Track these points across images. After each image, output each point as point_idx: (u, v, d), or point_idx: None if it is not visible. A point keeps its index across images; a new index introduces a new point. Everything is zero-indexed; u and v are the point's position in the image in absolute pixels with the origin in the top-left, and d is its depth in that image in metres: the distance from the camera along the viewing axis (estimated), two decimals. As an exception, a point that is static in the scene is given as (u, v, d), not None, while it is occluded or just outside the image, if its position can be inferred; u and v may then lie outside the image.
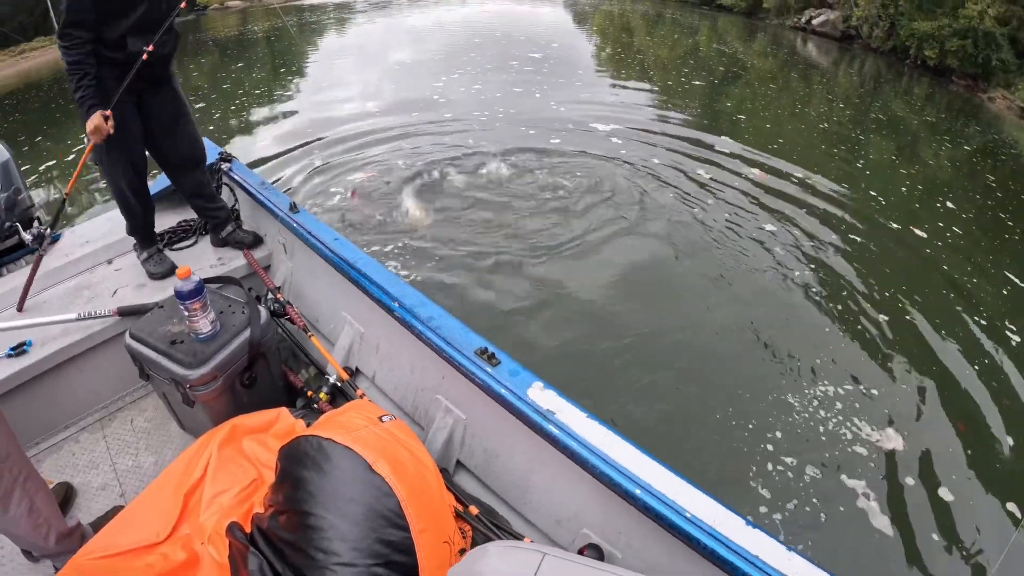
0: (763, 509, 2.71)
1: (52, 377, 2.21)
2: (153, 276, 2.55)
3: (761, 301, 4.16)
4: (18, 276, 2.57)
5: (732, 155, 6.78)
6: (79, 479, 2.10)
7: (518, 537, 1.50)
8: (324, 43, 14.84)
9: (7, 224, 2.65)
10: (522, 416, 1.50)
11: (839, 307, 4.14)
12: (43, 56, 17.78)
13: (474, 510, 1.54)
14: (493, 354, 1.65)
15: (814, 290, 4.31)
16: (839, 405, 3.27)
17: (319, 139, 7.09)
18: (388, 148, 6.57)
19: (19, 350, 2.14)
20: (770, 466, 2.91)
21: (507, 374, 1.59)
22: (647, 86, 10.12)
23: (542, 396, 1.52)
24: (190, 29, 17.12)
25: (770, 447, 2.99)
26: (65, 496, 2.00)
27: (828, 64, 13.79)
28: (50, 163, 7.69)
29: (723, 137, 7.29)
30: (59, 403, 2.29)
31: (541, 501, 1.64)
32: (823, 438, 3.08)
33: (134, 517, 1.64)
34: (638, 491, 1.29)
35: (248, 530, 1.46)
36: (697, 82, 10.51)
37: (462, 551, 1.40)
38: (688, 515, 1.24)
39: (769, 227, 5.13)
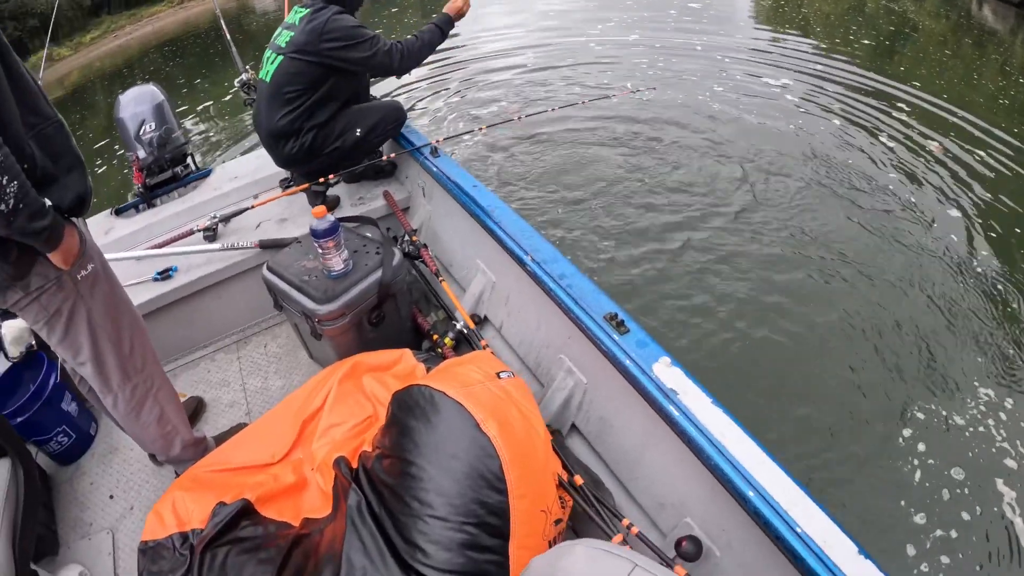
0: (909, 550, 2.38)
1: (195, 300, 2.38)
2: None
3: (932, 291, 3.62)
4: (170, 207, 2.79)
5: (908, 124, 6.02)
6: (210, 395, 2.27)
7: (617, 516, 1.41)
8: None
9: (161, 159, 2.85)
10: (643, 391, 1.39)
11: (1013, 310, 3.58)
12: (202, 5, 19.12)
13: (579, 480, 1.47)
14: (623, 321, 1.54)
15: (999, 287, 3.70)
16: (1003, 416, 2.83)
17: (464, 80, 7.04)
18: (544, 96, 6.39)
19: (165, 275, 2.33)
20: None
21: (634, 344, 1.48)
22: (813, 42, 9.11)
23: (667, 373, 1.40)
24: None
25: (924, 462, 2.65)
26: (196, 410, 2.17)
27: (1005, 32, 11.82)
28: (207, 103, 8.33)
29: (899, 103, 6.47)
30: (199, 325, 2.46)
31: (649, 480, 1.55)
32: (979, 452, 2.68)
33: (253, 436, 1.74)
34: (750, 493, 1.16)
35: (354, 466, 1.49)
36: (866, 41, 9.39)
37: (558, 521, 1.34)
38: (798, 530, 1.09)
39: (954, 212, 4.45)
